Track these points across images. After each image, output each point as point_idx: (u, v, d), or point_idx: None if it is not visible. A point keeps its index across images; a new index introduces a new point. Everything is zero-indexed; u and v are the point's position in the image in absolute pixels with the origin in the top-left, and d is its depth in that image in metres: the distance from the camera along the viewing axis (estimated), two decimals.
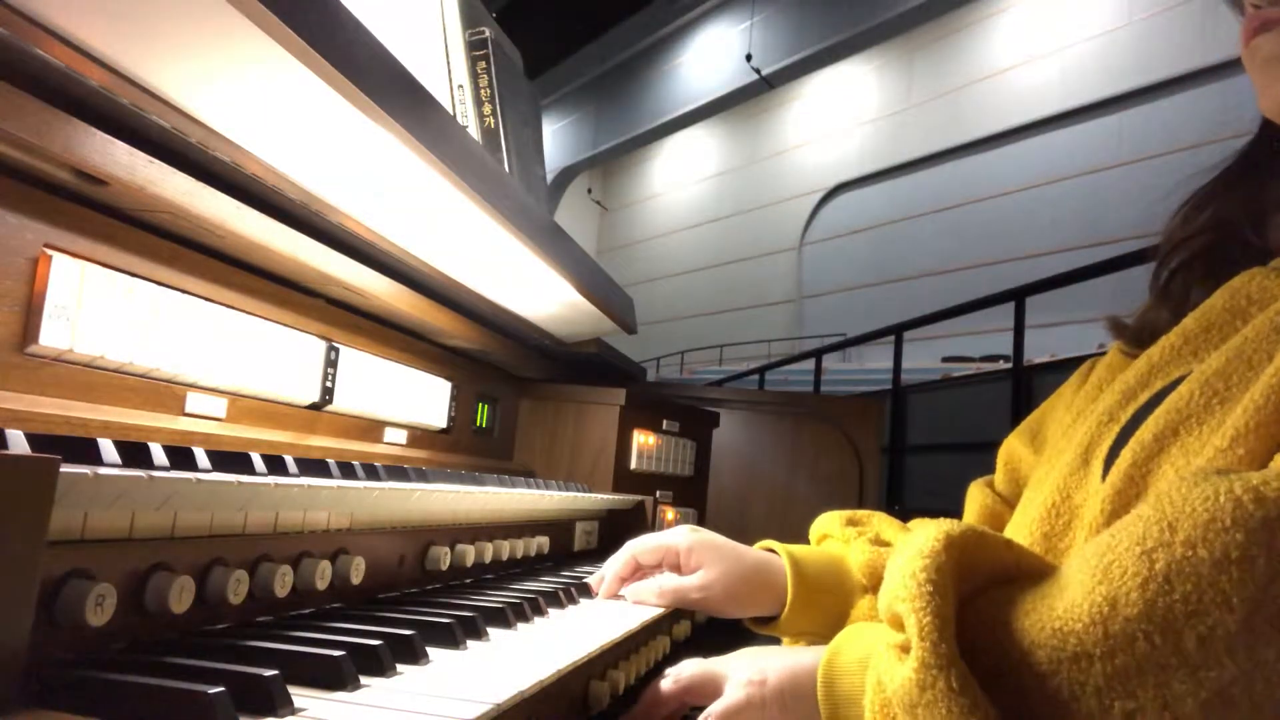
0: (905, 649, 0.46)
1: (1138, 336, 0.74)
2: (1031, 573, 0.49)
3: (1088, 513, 0.61)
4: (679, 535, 0.93)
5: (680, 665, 0.73)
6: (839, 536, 0.93)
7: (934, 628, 0.44)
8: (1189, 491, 0.43)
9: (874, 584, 0.85)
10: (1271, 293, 0.61)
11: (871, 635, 0.55)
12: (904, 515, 1.01)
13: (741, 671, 0.66)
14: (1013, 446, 0.90)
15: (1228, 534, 0.40)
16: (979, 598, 0.48)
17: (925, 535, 0.49)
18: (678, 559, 0.93)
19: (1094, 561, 0.44)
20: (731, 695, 0.65)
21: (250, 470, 0.66)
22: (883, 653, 0.48)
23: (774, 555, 0.89)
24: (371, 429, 1.18)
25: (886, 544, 0.89)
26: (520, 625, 0.79)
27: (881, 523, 0.94)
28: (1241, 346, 0.57)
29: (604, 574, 0.99)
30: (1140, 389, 0.65)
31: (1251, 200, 0.70)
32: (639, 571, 0.98)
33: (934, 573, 0.46)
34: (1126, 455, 0.58)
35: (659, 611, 0.95)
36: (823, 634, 0.86)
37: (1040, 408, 0.90)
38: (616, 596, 0.99)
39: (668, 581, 0.92)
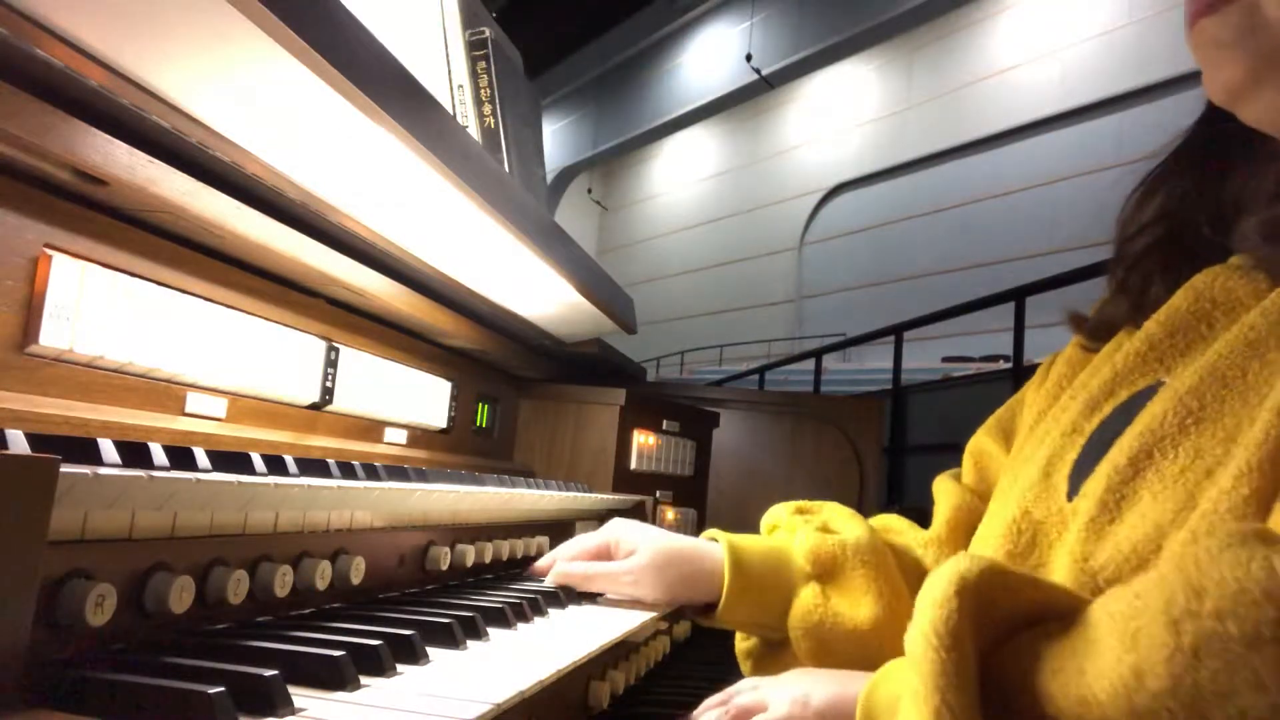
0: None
1: (1096, 331, 0.73)
2: (1061, 613, 0.46)
3: (1053, 530, 0.60)
4: (609, 531, 0.95)
5: (734, 695, 0.72)
6: (786, 526, 0.92)
7: (939, 688, 0.42)
8: (1218, 554, 0.39)
9: (818, 571, 0.84)
10: (1236, 295, 0.60)
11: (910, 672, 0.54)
12: (903, 516, 1.00)
13: (787, 690, 0.66)
14: (981, 443, 0.88)
15: (1259, 609, 0.37)
16: (1005, 646, 0.45)
17: (941, 578, 0.46)
18: (607, 553, 0.95)
19: (1121, 624, 0.41)
20: (774, 713, 0.65)
21: (250, 470, 0.66)
22: (907, 700, 0.45)
23: (713, 544, 0.89)
24: (371, 429, 1.18)
25: (834, 532, 0.87)
26: (520, 625, 0.79)
27: (831, 512, 0.93)
28: (1215, 363, 0.55)
29: (545, 573, 1.00)
30: (1104, 399, 0.63)
31: (1206, 189, 0.68)
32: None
33: (941, 624, 0.43)
34: (1100, 480, 0.56)
35: (658, 612, 0.96)
36: (764, 624, 0.86)
37: (1007, 404, 0.88)
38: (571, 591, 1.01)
39: (600, 568, 0.94)
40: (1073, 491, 0.59)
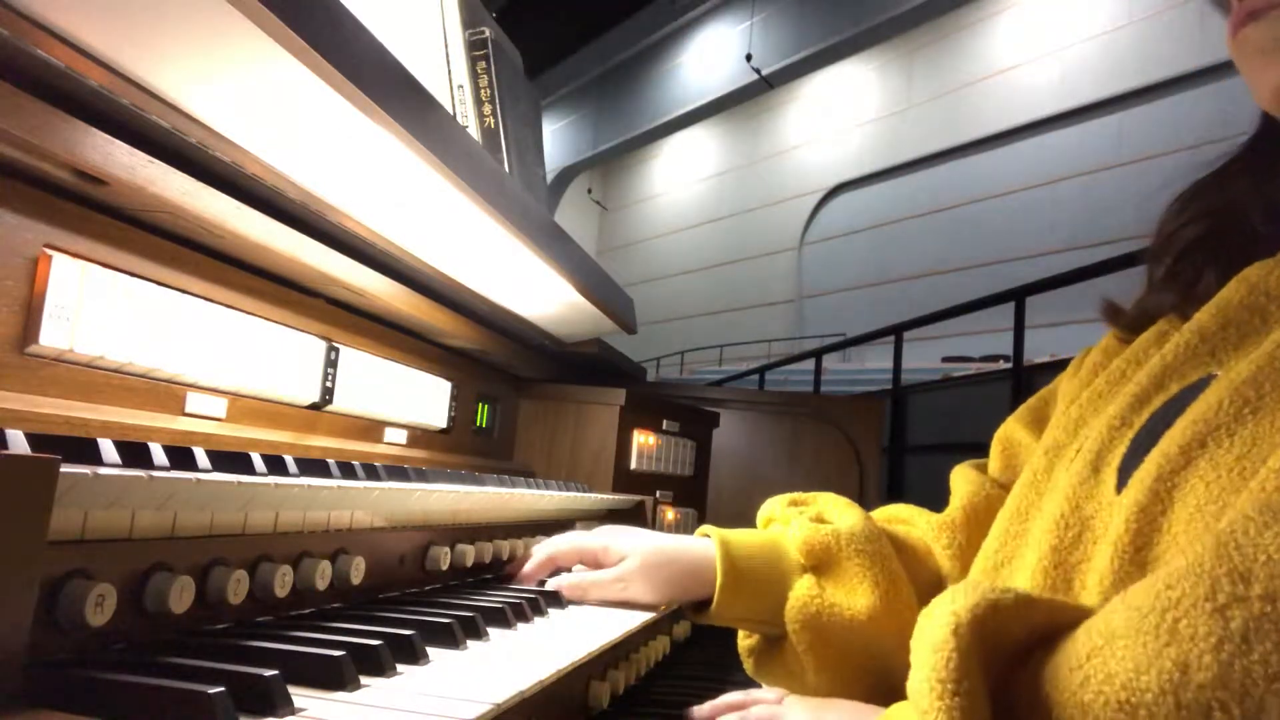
0: None
1: (1135, 323, 0.71)
2: (1064, 625, 0.44)
3: (1101, 525, 0.58)
4: (595, 537, 0.96)
5: (756, 701, 0.71)
6: (781, 518, 0.91)
7: None
8: (1258, 536, 0.38)
9: (813, 563, 0.83)
10: None
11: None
12: None
13: (806, 716, 0.65)
14: (1011, 431, 0.86)
15: None
16: (1018, 674, 0.44)
17: (936, 619, 0.44)
18: (596, 560, 0.95)
19: (1154, 619, 0.39)
20: None
21: (250, 470, 0.66)
22: None
23: (706, 540, 0.88)
24: (371, 429, 1.18)
25: (828, 522, 0.86)
26: (520, 625, 0.79)
27: (825, 502, 0.91)
28: (1273, 353, 0.53)
29: (523, 570, 1.02)
30: (1155, 391, 0.61)
31: (1259, 188, 0.67)
32: (559, 570, 1.01)
33: (942, 668, 0.42)
34: (1150, 468, 0.54)
35: (658, 613, 0.96)
36: (761, 619, 0.84)
37: (1039, 394, 0.86)
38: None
39: (589, 577, 0.94)
40: (1121, 485, 0.57)
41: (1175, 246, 0.69)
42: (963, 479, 0.89)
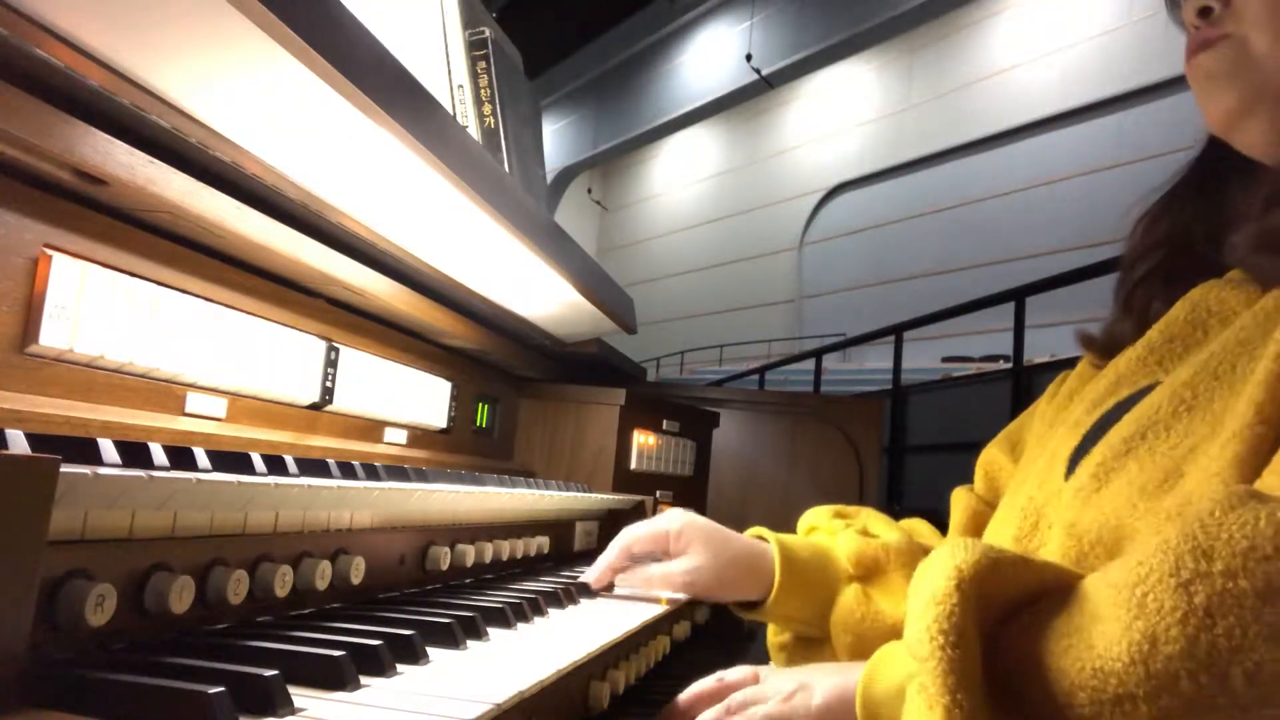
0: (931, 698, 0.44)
1: (1105, 349, 0.76)
2: (1056, 589, 0.47)
3: (1054, 512, 0.63)
4: (671, 519, 0.97)
5: (730, 686, 0.72)
6: (826, 528, 0.95)
7: (948, 687, 0.43)
8: (1223, 516, 0.41)
9: (861, 573, 0.88)
10: (1230, 305, 0.63)
11: (904, 661, 0.53)
12: (903, 516, 1.02)
13: (788, 682, 0.66)
14: (991, 455, 0.92)
15: (1270, 563, 0.38)
16: (1009, 626, 0.46)
17: (937, 572, 0.46)
18: (668, 544, 0.96)
19: (1126, 593, 0.41)
20: (774, 708, 0.65)
21: (250, 470, 0.66)
22: (913, 696, 0.46)
23: (763, 542, 0.92)
24: (371, 429, 1.18)
25: (874, 535, 0.91)
26: (520, 625, 0.79)
27: (869, 517, 0.97)
28: (1207, 360, 0.59)
29: (598, 564, 1.02)
30: (1107, 397, 0.67)
31: (1206, 214, 0.73)
32: (633, 561, 1.01)
33: (945, 620, 0.44)
34: (1095, 456, 0.59)
35: (659, 612, 0.96)
36: (807, 620, 0.89)
37: (1018, 419, 0.92)
38: (608, 587, 1.01)
39: (655, 570, 0.96)
40: (1069, 473, 0.62)
41: (1133, 277, 0.76)
42: (957, 502, 0.95)
